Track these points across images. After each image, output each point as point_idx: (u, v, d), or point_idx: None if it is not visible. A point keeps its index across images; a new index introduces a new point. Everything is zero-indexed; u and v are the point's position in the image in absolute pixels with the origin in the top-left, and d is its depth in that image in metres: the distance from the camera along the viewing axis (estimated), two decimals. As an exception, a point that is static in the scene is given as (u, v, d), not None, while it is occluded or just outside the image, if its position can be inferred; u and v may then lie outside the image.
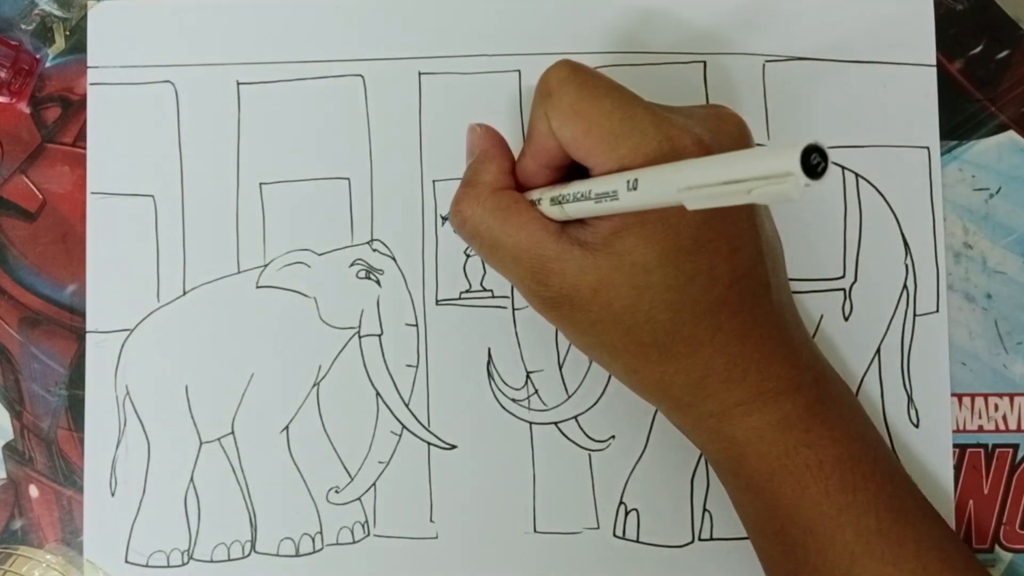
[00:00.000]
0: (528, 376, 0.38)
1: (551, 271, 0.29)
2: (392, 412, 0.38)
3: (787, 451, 0.30)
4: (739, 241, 0.29)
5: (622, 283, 0.29)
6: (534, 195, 0.31)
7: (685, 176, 0.23)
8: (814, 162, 0.20)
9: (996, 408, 0.38)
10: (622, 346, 0.30)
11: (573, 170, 0.31)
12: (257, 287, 0.38)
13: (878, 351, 0.38)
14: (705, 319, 0.29)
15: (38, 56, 0.39)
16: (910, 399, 0.38)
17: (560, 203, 0.29)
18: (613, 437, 0.38)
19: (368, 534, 0.38)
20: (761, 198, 0.21)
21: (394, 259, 0.38)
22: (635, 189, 0.25)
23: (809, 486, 0.30)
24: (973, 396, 0.38)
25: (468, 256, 0.38)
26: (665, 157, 0.27)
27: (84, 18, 0.39)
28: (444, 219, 0.38)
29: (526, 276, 0.30)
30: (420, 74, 0.39)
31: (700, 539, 0.38)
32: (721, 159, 0.22)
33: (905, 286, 0.38)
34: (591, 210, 0.28)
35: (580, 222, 0.30)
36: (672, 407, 0.32)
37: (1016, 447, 0.38)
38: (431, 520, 0.38)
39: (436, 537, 0.38)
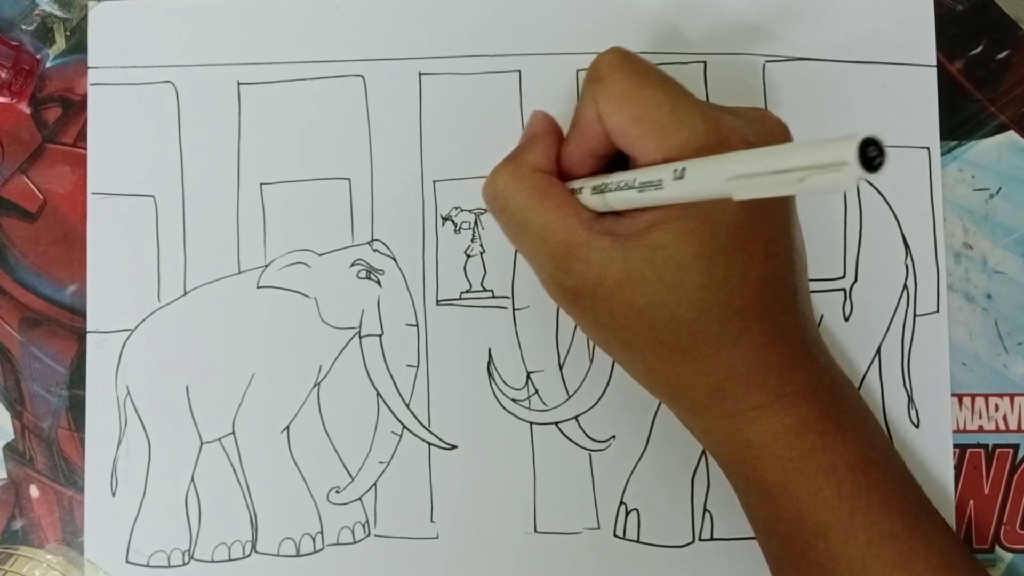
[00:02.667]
0: (528, 376, 0.38)
1: (577, 259, 0.29)
2: (392, 412, 0.38)
3: (802, 454, 0.30)
4: (774, 247, 0.29)
5: (651, 277, 0.28)
6: (576, 184, 0.31)
7: (735, 165, 0.23)
8: (871, 155, 0.20)
9: (996, 408, 0.38)
10: (641, 343, 0.30)
11: (615, 162, 0.30)
12: (258, 287, 0.38)
13: (878, 351, 0.38)
14: (732, 322, 0.29)
15: (38, 56, 0.39)
16: (910, 399, 0.38)
17: (602, 191, 0.29)
18: (613, 437, 0.38)
19: (368, 534, 0.38)
20: (813, 188, 0.20)
21: (394, 259, 0.38)
22: (682, 178, 0.25)
23: (823, 489, 0.30)
24: (973, 396, 0.38)
25: (468, 256, 0.38)
26: (712, 152, 0.27)
27: (84, 18, 0.39)
28: (444, 219, 0.38)
29: (549, 262, 0.30)
30: (420, 74, 0.39)
31: (700, 539, 0.38)
32: (773, 149, 0.22)
33: (905, 286, 0.38)
34: (634, 200, 0.27)
35: (616, 213, 0.29)
36: (687, 408, 0.32)
37: (1016, 447, 0.38)
38: (431, 520, 0.38)
39: (436, 537, 0.38)
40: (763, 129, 0.30)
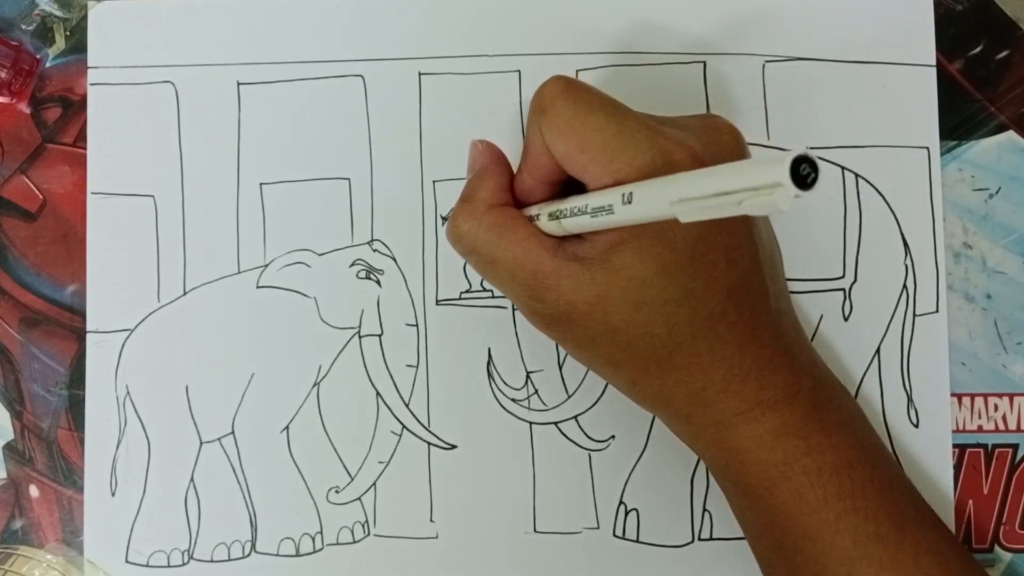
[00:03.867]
0: (528, 376, 0.38)
1: (548, 287, 0.29)
2: (392, 412, 0.38)
3: (786, 459, 0.30)
4: (736, 252, 0.29)
5: (619, 298, 0.29)
6: (532, 211, 0.31)
7: (677, 189, 0.23)
8: (803, 173, 0.20)
9: (996, 408, 0.38)
10: (621, 360, 0.30)
11: (571, 184, 0.31)
12: (257, 287, 0.38)
13: (878, 351, 0.38)
14: (703, 331, 0.29)
15: (38, 56, 0.39)
16: (910, 399, 0.38)
17: (558, 218, 0.29)
18: (613, 437, 0.38)
19: (368, 534, 0.38)
20: (751, 209, 0.21)
21: (394, 259, 0.38)
22: (630, 203, 0.25)
23: (807, 493, 0.30)
24: (973, 396, 0.38)
25: (468, 256, 0.38)
26: (659, 170, 0.27)
27: (84, 18, 0.39)
28: (444, 219, 0.38)
29: (523, 293, 0.30)
30: (420, 74, 0.39)
31: (700, 539, 0.38)
32: (712, 171, 0.23)
33: (905, 286, 0.38)
34: (588, 225, 0.28)
35: (578, 237, 0.30)
36: (672, 417, 0.32)
37: (1016, 447, 0.38)
38: (431, 520, 0.38)
39: (436, 537, 0.38)
40: (713, 140, 0.30)
